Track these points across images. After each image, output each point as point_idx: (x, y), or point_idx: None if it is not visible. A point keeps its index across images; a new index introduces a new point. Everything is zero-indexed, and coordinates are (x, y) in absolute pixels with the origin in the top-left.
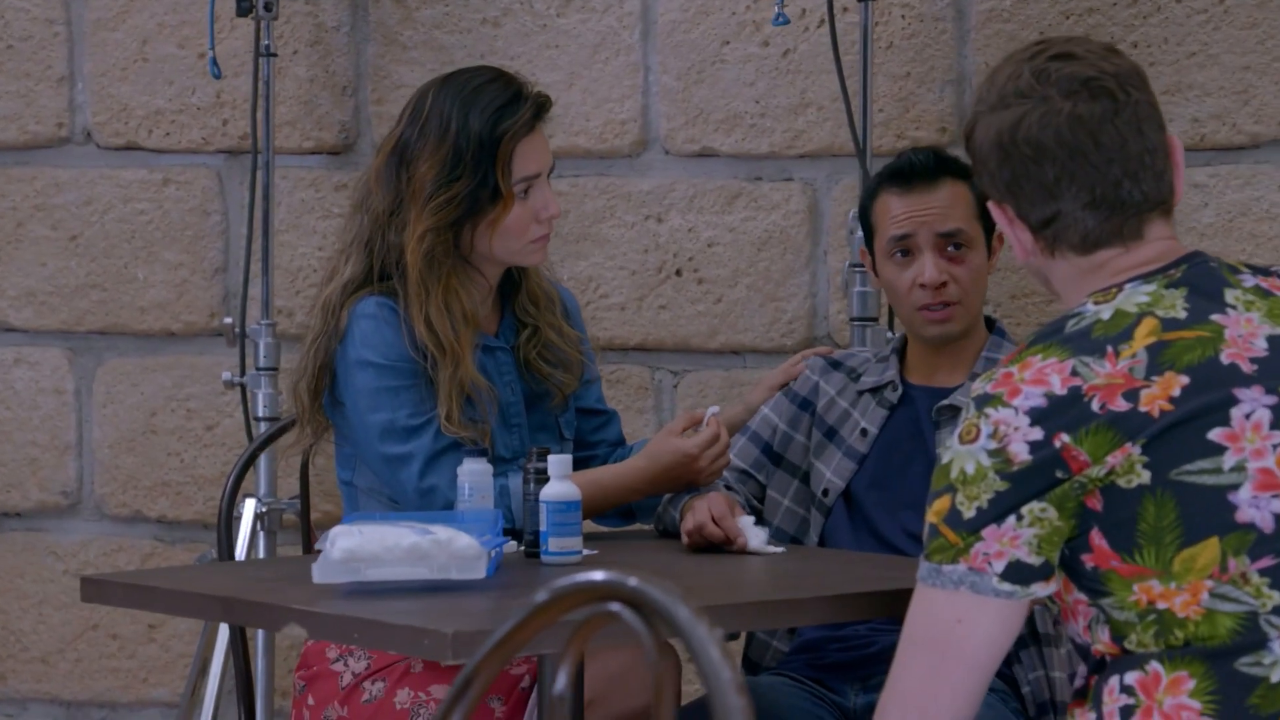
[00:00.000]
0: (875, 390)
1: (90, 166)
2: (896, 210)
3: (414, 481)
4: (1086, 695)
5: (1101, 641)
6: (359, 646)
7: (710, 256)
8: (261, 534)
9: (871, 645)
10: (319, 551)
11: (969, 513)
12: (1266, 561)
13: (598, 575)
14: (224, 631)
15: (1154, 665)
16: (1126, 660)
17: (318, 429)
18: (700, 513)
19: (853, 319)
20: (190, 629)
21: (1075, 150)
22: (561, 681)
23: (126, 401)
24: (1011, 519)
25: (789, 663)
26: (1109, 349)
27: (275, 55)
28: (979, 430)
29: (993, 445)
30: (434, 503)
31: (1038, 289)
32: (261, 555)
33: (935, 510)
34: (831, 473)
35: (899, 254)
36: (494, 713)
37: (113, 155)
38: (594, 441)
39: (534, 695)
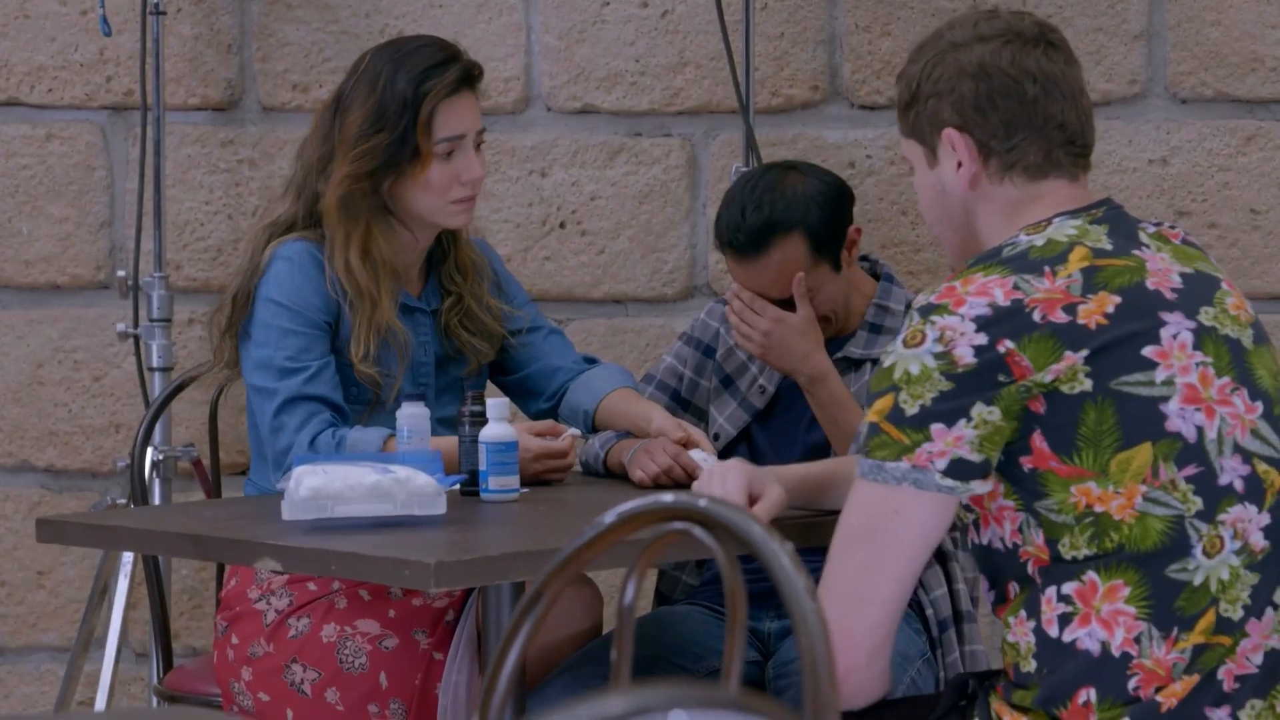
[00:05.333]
0: None
1: None
2: (738, 275)
3: (268, 418)
4: (1008, 602)
5: (1034, 544)
6: (337, 578)
7: (593, 209)
8: (158, 481)
9: None
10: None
11: (911, 409)
12: (1190, 469)
13: (667, 498)
14: (123, 579)
15: (1090, 575)
16: (1061, 570)
17: (227, 361)
18: (658, 455)
19: None
20: (80, 576)
21: (1051, 81)
22: (630, 594)
23: (12, 353)
24: (962, 421)
25: (701, 594)
26: (1046, 269)
27: (164, 13)
28: (924, 335)
29: (939, 349)
30: (278, 442)
31: (906, 239)
32: (157, 502)
33: (876, 410)
34: (725, 420)
35: None
36: (419, 645)
37: None
38: (556, 366)
39: (460, 628)
